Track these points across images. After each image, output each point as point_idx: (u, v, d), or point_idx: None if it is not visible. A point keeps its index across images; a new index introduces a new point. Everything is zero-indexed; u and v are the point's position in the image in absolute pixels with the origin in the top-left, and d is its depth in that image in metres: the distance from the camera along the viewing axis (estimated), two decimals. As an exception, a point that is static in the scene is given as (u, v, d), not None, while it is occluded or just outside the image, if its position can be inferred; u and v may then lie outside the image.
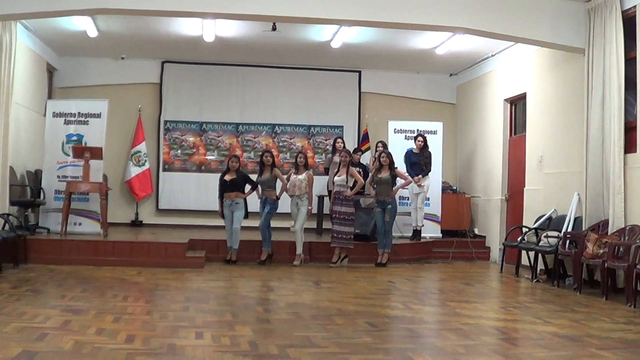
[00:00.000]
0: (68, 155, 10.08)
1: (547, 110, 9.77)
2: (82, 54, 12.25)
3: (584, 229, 8.20)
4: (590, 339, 5.21)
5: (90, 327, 5.06)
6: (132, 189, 12.51)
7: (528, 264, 9.15)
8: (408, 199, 11.18)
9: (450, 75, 13.39)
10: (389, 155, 9.94)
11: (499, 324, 6.01)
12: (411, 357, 4.52)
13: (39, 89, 11.29)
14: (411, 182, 10.38)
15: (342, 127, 13.21)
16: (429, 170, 10.89)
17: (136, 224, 12.62)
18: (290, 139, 13.19)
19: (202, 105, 12.94)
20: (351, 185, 9.76)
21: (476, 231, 12.08)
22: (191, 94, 12.91)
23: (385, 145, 10.95)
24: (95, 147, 9.87)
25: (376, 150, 11.00)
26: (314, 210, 10.71)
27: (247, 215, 9.68)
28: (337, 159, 10.65)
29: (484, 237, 11.79)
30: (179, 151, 12.91)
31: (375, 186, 9.90)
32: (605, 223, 7.90)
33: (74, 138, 10.21)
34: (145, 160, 12.54)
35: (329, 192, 10.78)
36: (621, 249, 7.30)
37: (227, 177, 9.70)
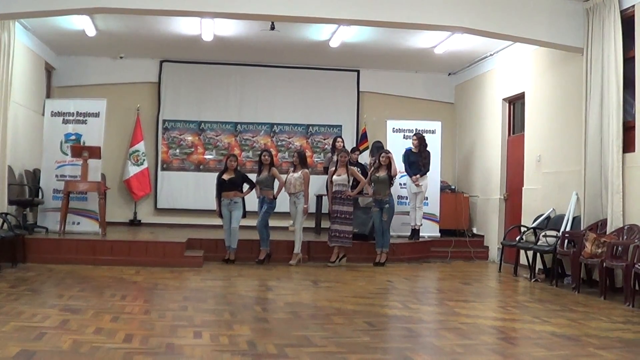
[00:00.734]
0: (66, 154, 10.08)
1: (546, 110, 9.77)
2: (80, 53, 12.24)
3: (582, 228, 8.20)
4: (588, 338, 5.22)
5: (88, 327, 5.05)
6: (131, 188, 12.49)
7: (526, 264, 9.16)
8: (407, 199, 11.19)
9: (449, 74, 13.39)
10: (389, 157, 9.96)
11: (497, 323, 6.01)
12: (409, 357, 4.52)
13: (38, 88, 11.27)
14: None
15: (340, 126, 13.20)
16: (427, 170, 10.89)
17: (134, 223, 12.60)
18: (289, 138, 13.18)
19: (201, 105, 12.92)
20: (351, 184, 9.76)
21: (475, 230, 12.08)
22: (190, 93, 12.89)
23: (382, 147, 10.94)
24: (93, 146, 9.87)
25: (370, 151, 10.97)
26: (312, 210, 10.70)
27: (245, 214, 9.68)
28: (336, 158, 10.65)
29: (483, 236, 11.79)
30: (178, 150, 12.90)
31: (372, 185, 9.90)
32: (604, 222, 7.91)
33: (73, 137, 10.20)
34: (144, 160, 12.52)
35: (328, 191, 10.76)
36: (619, 248, 7.31)
37: (226, 177, 9.69)
